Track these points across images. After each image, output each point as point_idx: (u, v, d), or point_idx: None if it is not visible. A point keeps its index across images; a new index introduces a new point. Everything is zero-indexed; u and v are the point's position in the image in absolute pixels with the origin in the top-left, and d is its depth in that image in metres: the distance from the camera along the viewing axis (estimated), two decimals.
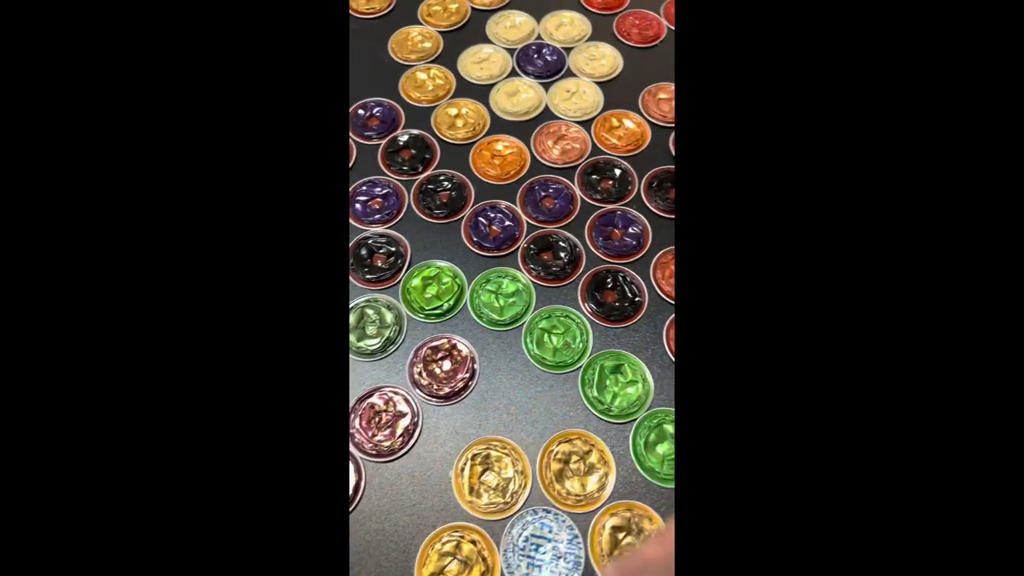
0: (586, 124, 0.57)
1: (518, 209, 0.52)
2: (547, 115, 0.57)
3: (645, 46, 0.62)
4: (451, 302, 0.47)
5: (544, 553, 0.39)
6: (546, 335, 0.46)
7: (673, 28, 0.63)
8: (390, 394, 0.44)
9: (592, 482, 0.42)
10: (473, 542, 0.39)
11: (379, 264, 0.49)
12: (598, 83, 0.59)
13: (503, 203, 0.52)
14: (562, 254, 0.50)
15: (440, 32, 0.62)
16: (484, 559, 0.39)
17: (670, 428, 0.43)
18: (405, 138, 0.55)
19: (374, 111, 0.57)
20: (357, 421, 0.43)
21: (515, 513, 0.40)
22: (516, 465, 0.42)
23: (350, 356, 0.45)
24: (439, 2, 0.64)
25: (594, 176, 0.54)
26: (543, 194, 0.53)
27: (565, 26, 0.63)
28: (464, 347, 0.46)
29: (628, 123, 0.57)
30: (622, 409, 0.44)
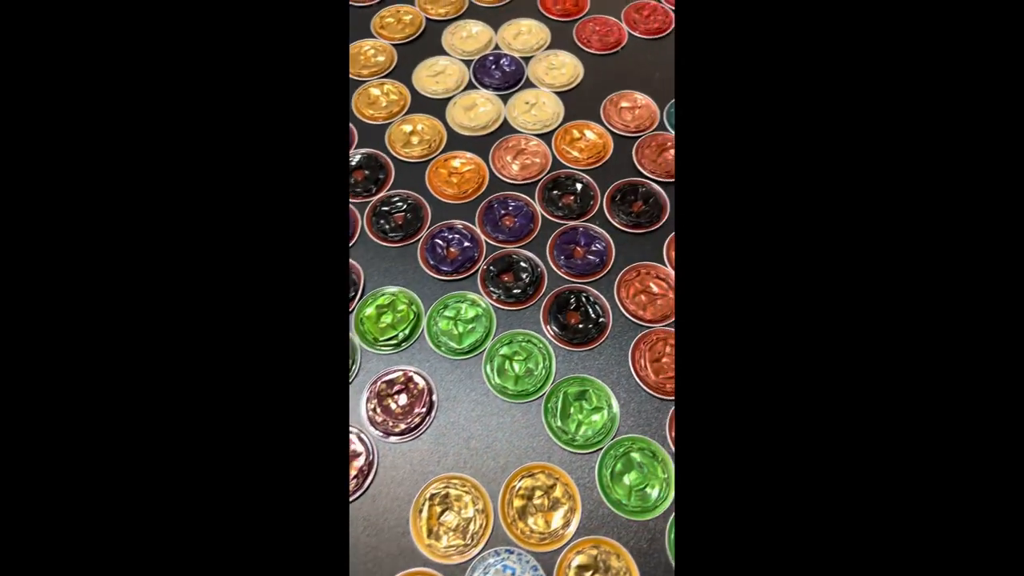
0: (546, 137, 0.55)
1: (477, 229, 0.50)
2: (506, 128, 0.55)
3: (606, 52, 0.60)
4: (407, 331, 0.45)
5: None
6: (507, 362, 0.44)
7: (634, 33, 0.61)
8: None
9: (557, 518, 0.40)
10: None
11: None
12: (558, 93, 0.57)
13: (459, 223, 0.50)
14: (523, 275, 0.48)
15: (394, 45, 0.60)
16: None
17: (637, 456, 0.41)
18: (358, 158, 0.53)
19: None
20: None
21: (476, 555, 0.38)
22: (477, 503, 0.40)
23: None
24: (392, 14, 0.62)
25: (555, 191, 0.52)
26: (503, 212, 0.51)
27: (523, 35, 0.61)
28: (421, 380, 0.43)
29: (590, 134, 0.55)
30: (587, 439, 0.42)
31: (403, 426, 0.42)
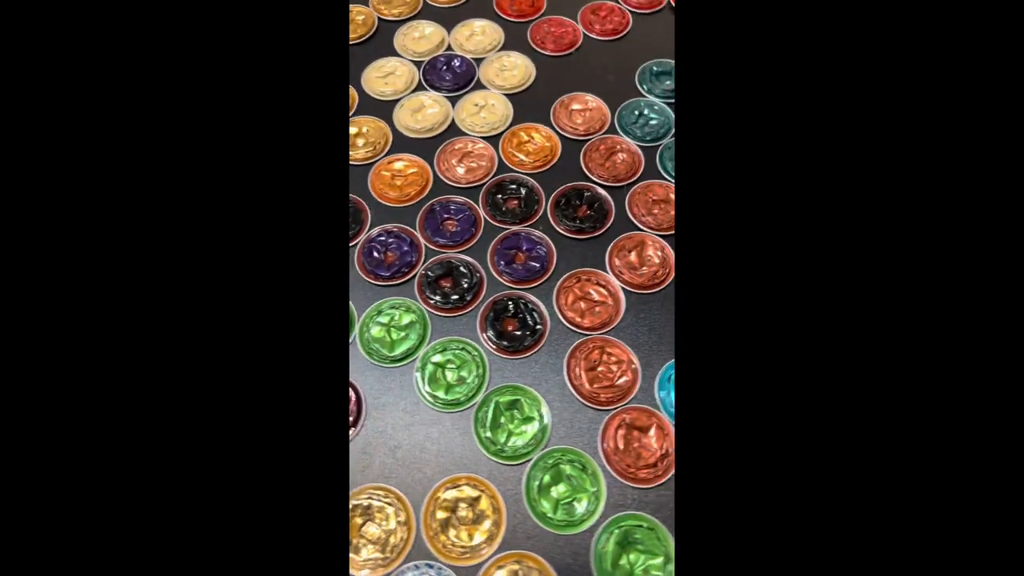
0: (494, 140, 0.54)
1: (416, 233, 0.49)
2: (453, 131, 0.54)
3: (560, 54, 0.59)
4: None
5: None
6: (439, 370, 0.43)
7: (590, 35, 0.60)
8: None
9: (480, 531, 0.39)
10: None
11: None
12: (508, 95, 0.56)
13: (394, 226, 0.49)
14: (463, 280, 0.47)
15: None
16: None
17: (567, 468, 0.40)
18: None
19: None
20: None
21: (395, 570, 0.37)
22: (399, 515, 0.39)
23: None
24: None
25: (499, 196, 0.51)
26: (445, 216, 0.50)
27: (477, 36, 0.60)
28: (349, 390, 0.42)
29: (538, 137, 0.54)
30: (516, 450, 0.41)
31: None
